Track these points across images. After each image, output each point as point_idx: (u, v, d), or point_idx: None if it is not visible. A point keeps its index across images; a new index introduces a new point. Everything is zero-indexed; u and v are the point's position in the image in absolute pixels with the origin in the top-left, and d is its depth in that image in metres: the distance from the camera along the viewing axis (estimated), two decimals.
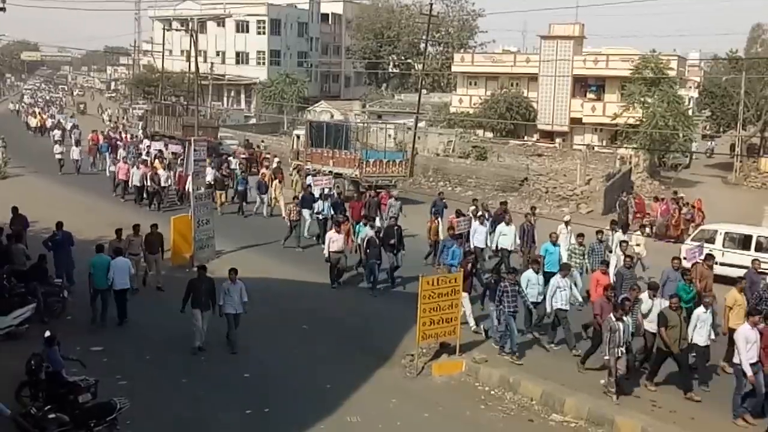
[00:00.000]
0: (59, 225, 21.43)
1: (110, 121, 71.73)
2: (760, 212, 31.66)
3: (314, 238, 27.80)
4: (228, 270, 17.40)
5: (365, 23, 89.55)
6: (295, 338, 18.13)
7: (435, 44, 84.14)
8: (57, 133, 53.69)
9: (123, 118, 77.81)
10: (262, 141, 54.47)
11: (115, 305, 18.67)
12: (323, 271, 22.92)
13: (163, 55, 72.28)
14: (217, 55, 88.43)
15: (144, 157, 39.75)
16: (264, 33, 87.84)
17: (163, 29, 76.82)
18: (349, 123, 46.35)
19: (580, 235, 21.59)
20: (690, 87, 75.11)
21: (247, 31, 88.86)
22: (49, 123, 64.90)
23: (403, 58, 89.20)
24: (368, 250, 22.02)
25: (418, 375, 16.23)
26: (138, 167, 34.47)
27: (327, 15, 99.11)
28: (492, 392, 15.48)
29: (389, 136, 42.58)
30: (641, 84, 51.85)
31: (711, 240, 24.68)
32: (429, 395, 15.29)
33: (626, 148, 51.27)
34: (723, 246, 24.32)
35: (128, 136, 54.37)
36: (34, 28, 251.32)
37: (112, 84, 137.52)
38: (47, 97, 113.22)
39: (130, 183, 34.58)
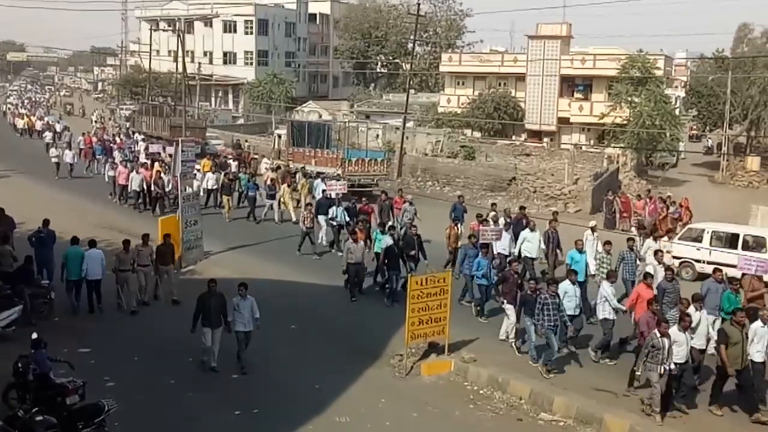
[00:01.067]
0: (46, 222, 21.71)
1: (96, 122, 71.07)
2: (747, 211, 31.81)
3: (328, 246, 26.79)
4: (237, 285, 16.16)
5: (353, 23, 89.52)
6: (284, 338, 18.09)
7: (423, 44, 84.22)
8: (48, 135, 52.76)
9: (110, 118, 77.42)
10: (246, 141, 54.36)
11: (93, 294, 19.64)
12: (313, 271, 22.91)
13: (150, 56, 72.03)
14: (205, 55, 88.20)
15: (143, 160, 39.01)
16: (251, 33, 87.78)
17: (150, 29, 76.56)
18: (330, 122, 46.57)
19: (608, 243, 20.66)
20: (677, 86, 75.58)
21: (235, 32, 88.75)
22: (38, 125, 63.46)
23: (390, 58, 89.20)
24: (388, 261, 20.78)
25: (407, 375, 16.23)
26: (138, 171, 33.47)
27: (314, 15, 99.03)
28: (481, 391, 15.50)
29: (376, 136, 42.65)
30: (628, 83, 52.14)
31: (698, 239, 24.83)
32: (418, 395, 15.29)
33: (613, 147, 51.53)
34: (710, 245, 24.45)
35: (122, 139, 52.89)
36: (20, 28, 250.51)
37: (99, 84, 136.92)
38: (34, 98, 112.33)
39: (129, 187, 33.38)
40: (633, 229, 30.52)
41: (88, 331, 18.17)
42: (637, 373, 14.45)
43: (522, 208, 27.26)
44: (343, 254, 21.49)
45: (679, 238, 25.83)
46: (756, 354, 14.26)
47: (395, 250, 21.01)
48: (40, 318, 18.33)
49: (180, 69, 58.33)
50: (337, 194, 27.96)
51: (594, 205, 36.67)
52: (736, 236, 24.48)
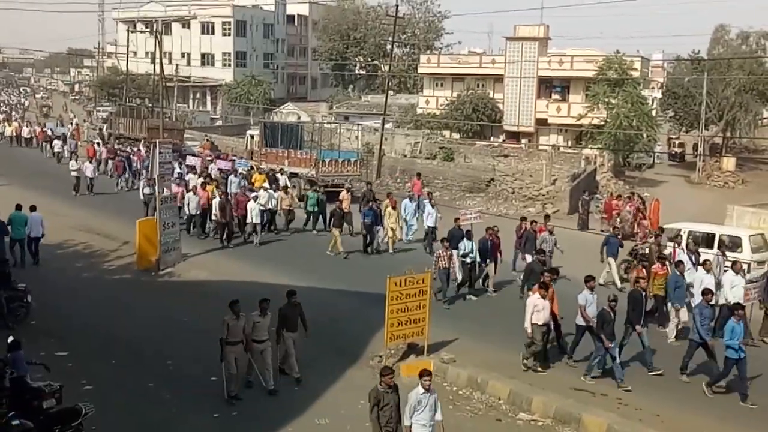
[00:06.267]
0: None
1: (71, 123, 70.08)
2: (723, 211, 32.08)
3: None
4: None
5: (331, 25, 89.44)
6: None
7: (401, 46, 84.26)
8: (57, 143, 48.19)
9: (86, 120, 76.78)
10: (207, 138, 54.19)
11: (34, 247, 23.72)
12: (294, 273, 22.78)
13: (127, 57, 71.65)
14: (183, 56, 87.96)
15: (189, 175, 33.51)
16: (229, 34, 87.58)
17: (128, 31, 76.07)
18: (302, 123, 46.73)
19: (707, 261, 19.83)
20: (653, 87, 76.14)
21: (213, 33, 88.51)
22: (25, 132, 57.71)
23: (369, 59, 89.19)
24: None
25: None
26: (195, 192, 28.28)
27: (293, 16, 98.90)
28: (460, 392, 15.54)
29: (356, 137, 42.73)
30: (605, 85, 52.44)
31: (675, 239, 25.00)
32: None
33: (591, 148, 51.83)
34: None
35: (143, 150, 42.72)
36: None
37: (76, 86, 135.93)
38: (9, 101, 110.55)
39: (185, 210, 28.14)
40: (612, 229, 30.70)
41: (66, 334, 18.03)
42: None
43: (524, 218, 25.81)
44: (526, 312, 16.36)
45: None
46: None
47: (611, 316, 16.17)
48: (16, 321, 18.18)
49: (157, 70, 58.05)
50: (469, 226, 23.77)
51: (572, 206, 36.86)
52: (712, 236, 24.71)
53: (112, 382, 15.28)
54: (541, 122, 60.17)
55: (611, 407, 14.53)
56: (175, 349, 17.04)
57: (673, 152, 61.46)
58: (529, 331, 15.99)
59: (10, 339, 13.48)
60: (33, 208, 24.09)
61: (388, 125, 50.74)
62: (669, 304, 18.95)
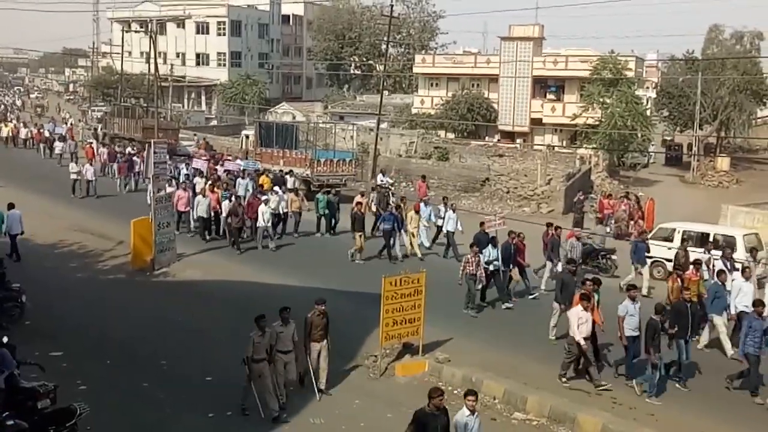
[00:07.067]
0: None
1: (66, 124, 69.78)
2: (717, 210, 32.17)
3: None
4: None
5: (326, 24, 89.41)
6: None
7: (396, 45, 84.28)
8: (59, 145, 47.08)
9: (81, 120, 76.57)
10: (196, 135, 53.84)
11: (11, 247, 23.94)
12: (288, 272, 22.77)
13: (122, 57, 71.50)
14: (177, 56, 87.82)
15: (196, 179, 33.03)
16: (224, 34, 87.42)
17: (122, 30, 75.93)
18: (297, 123, 46.75)
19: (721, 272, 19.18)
20: (648, 87, 76.13)
21: (208, 33, 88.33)
22: (23, 133, 55.40)
23: (364, 59, 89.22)
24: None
25: (382, 376, 16.26)
26: (204, 195, 27.54)
27: (288, 16, 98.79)
28: (455, 392, 15.51)
29: (351, 137, 42.78)
30: (600, 85, 52.53)
31: (669, 238, 25.06)
32: (392, 396, 15.31)
33: (586, 148, 51.90)
34: (681, 244, 24.68)
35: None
36: None
37: (71, 86, 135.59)
38: (5, 101, 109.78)
39: (193, 214, 27.94)
40: (608, 229, 30.83)
41: (60, 334, 18.00)
42: None
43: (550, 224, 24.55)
44: (571, 325, 15.66)
45: (650, 238, 26.04)
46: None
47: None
48: (11, 321, 18.14)
49: (152, 70, 57.96)
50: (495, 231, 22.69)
51: (566, 206, 36.92)
52: (706, 235, 24.75)
53: (107, 382, 15.26)
54: (536, 122, 60.21)
55: (606, 406, 14.55)
56: (170, 349, 17.03)
57: (671, 155, 60.97)
58: (583, 344, 15.29)
59: (5, 339, 13.48)
60: (11, 206, 24.46)
61: (383, 125, 50.74)
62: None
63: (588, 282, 16.87)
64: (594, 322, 15.81)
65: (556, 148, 55.84)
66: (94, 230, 28.81)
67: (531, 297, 21.76)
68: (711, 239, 24.34)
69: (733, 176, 54.65)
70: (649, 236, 26.38)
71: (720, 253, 21.51)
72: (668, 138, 64.38)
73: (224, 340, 17.44)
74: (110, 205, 33.54)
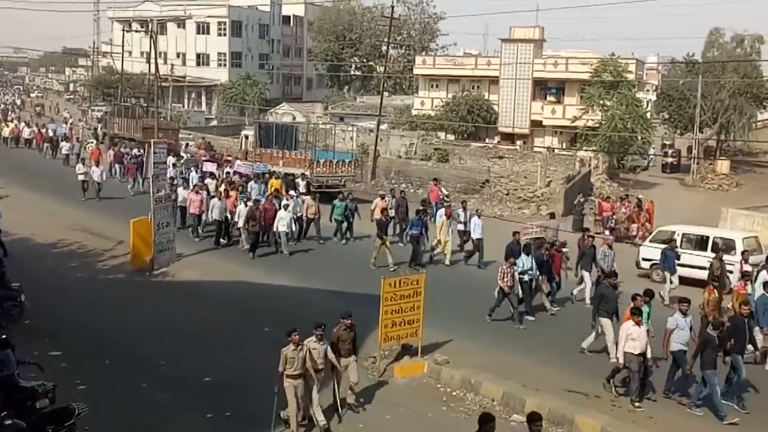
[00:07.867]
0: None
1: (65, 123, 69.56)
2: (717, 213, 32.17)
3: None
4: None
5: (327, 25, 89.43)
6: (257, 340, 17.98)
7: (397, 47, 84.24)
8: (66, 145, 46.52)
9: (82, 120, 76.51)
10: (203, 138, 53.94)
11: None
12: (287, 273, 22.72)
13: (122, 57, 71.47)
14: (178, 56, 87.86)
15: (206, 180, 32.41)
16: (225, 35, 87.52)
17: (123, 30, 75.84)
18: (297, 124, 46.64)
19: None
20: (648, 90, 76.09)
21: (208, 33, 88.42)
22: (26, 132, 54.99)
23: (365, 60, 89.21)
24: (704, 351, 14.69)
25: (381, 377, 16.25)
26: (220, 198, 27.06)
27: (288, 17, 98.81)
28: (454, 393, 15.54)
29: (350, 138, 42.74)
30: (600, 87, 52.49)
31: (669, 241, 25.04)
32: (391, 397, 15.31)
33: (586, 150, 51.84)
34: (681, 247, 24.65)
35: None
36: None
37: (71, 85, 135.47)
38: (5, 100, 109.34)
39: (208, 217, 27.37)
40: (606, 231, 30.78)
41: (59, 334, 17.98)
42: None
43: (586, 230, 24.34)
44: (620, 340, 15.17)
45: (650, 241, 26.06)
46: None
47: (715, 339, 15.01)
48: (10, 321, 18.14)
49: (152, 70, 57.94)
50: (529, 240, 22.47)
51: (566, 208, 36.87)
52: (706, 238, 24.75)
53: (106, 382, 15.25)
54: (536, 124, 60.24)
55: (604, 409, 14.54)
56: (168, 350, 17.01)
57: (667, 162, 59.87)
58: (621, 361, 14.84)
59: (3, 337, 13.47)
60: None
61: (383, 126, 50.76)
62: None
63: (639, 297, 16.07)
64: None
65: (556, 151, 55.85)
66: (95, 230, 28.80)
67: (550, 313, 20.87)
68: (711, 242, 24.32)
69: (733, 179, 54.56)
70: (649, 239, 26.47)
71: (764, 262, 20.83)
72: (668, 142, 63.99)
73: (223, 341, 17.47)
74: (111, 205, 33.53)
